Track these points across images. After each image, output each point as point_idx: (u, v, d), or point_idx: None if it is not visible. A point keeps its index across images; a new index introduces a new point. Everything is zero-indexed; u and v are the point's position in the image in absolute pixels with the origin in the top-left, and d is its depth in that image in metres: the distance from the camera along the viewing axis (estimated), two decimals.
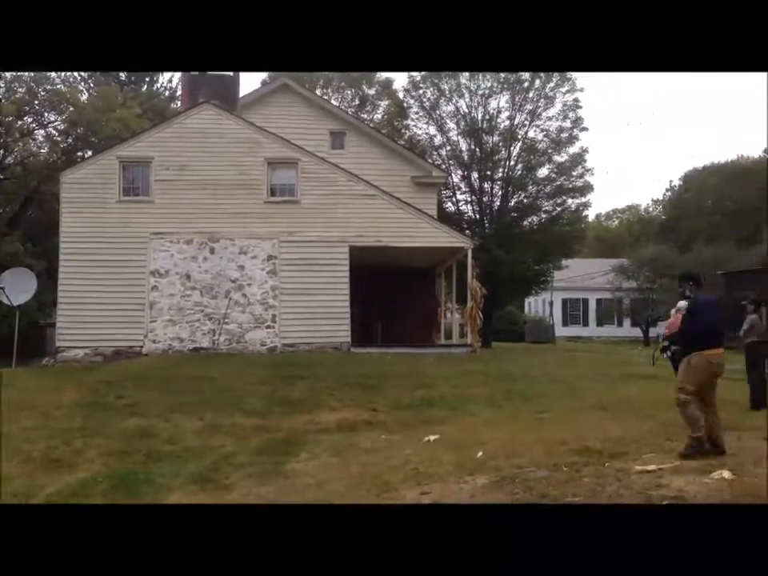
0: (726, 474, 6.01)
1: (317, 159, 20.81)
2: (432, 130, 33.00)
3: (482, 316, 21.31)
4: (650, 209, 72.04)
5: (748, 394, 10.86)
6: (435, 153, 33.15)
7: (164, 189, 20.07)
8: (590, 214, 71.89)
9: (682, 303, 12.06)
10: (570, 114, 32.42)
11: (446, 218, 27.68)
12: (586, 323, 51.91)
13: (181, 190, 19.96)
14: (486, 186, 33.23)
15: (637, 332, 44.35)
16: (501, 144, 32.90)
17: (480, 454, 7.70)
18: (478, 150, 32.70)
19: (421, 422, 10.84)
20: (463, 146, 33.26)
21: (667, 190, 65.76)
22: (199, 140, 19.95)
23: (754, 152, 76.50)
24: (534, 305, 53.32)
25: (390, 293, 22.44)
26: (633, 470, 6.36)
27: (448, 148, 33.45)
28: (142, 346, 19.40)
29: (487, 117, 32.43)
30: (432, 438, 9.19)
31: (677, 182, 61.78)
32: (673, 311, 12.01)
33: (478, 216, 33.27)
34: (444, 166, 31.60)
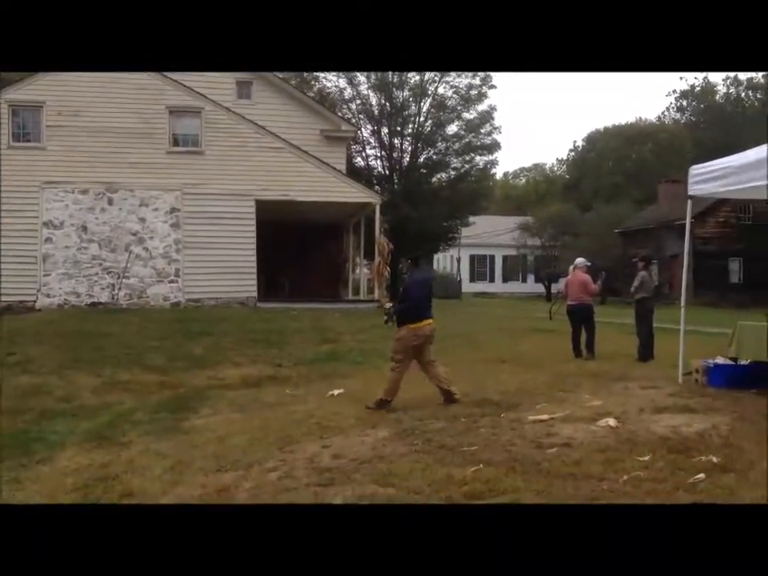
0: (612, 421, 6.31)
1: (222, 109, 20.17)
2: (342, 83, 32.62)
3: (389, 271, 21.44)
4: (555, 168, 74.01)
5: (636, 346, 11.40)
6: (345, 106, 32.79)
7: (57, 135, 19.02)
8: (498, 172, 73.26)
9: (579, 260, 12.57)
10: (479, 72, 32.65)
11: (355, 173, 27.54)
12: (492, 279, 53.22)
13: (75, 136, 18.97)
14: (396, 141, 33.21)
15: (540, 288, 45.87)
16: (411, 99, 32.86)
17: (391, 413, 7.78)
18: (388, 104, 32.54)
19: (325, 376, 10.86)
20: (373, 100, 33.05)
21: (571, 150, 67.68)
22: (94, 84, 18.90)
23: (651, 115, 79.50)
24: (443, 261, 54.15)
25: (297, 248, 22.25)
26: (526, 420, 6.60)
27: (358, 102, 33.15)
28: (34, 301, 18.54)
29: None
30: (336, 392, 9.23)
31: (580, 143, 63.60)
32: (571, 268, 12.42)
33: (387, 172, 33.28)
34: (354, 120, 31.32)
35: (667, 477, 4.72)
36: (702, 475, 4.68)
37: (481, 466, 5.15)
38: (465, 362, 11.53)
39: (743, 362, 8.29)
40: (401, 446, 6.00)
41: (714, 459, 5.05)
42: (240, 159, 19.71)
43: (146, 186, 19.35)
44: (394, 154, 33.15)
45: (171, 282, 19.45)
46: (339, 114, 29.09)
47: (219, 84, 22.03)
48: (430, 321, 7.93)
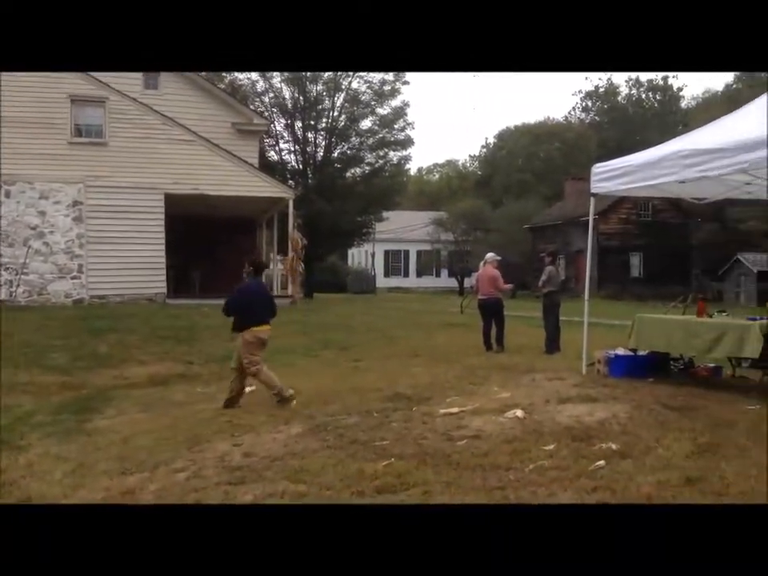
0: (519, 412, 6.47)
1: (128, 99, 19.49)
2: (254, 75, 32.10)
3: (303, 267, 21.30)
4: (468, 164, 75.38)
5: (544, 339, 11.75)
6: (257, 99, 32.32)
7: None
8: (412, 168, 73.94)
9: (490, 255, 12.82)
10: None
11: (268, 167, 27.20)
12: (406, 274, 53.74)
13: None
14: (309, 135, 33.00)
15: (454, 283, 46.64)
16: (325, 93, 32.71)
17: (294, 403, 7.73)
18: (301, 98, 32.28)
19: None
20: (287, 93, 32.73)
21: (483, 147, 69.09)
22: None
23: (559, 114, 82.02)
24: (357, 256, 54.29)
25: (208, 242, 21.77)
26: (437, 413, 6.68)
27: (271, 95, 32.74)
28: None
29: None
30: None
31: (492, 140, 64.98)
32: (482, 263, 12.66)
33: (301, 166, 33.04)
34: (267, 114, 30.92)
35: (570, 465, 4.88)
36: (602, 462, 4.86)
37: (392, 460, 5.18)
38: (379, 356, 11.59)
39: (642, 353, 8.66)
40: (313, 442, 5.97)
41: (614, 446, 5.26)
42: (147, 151, 19.11)
43: (47, 178, 18.50)
44: (308, 149, 32.95)
45: (74, 278, 18.68)
46: (251, 106, 28.66)
47: (125, 73, 21.29)
48: (267, 326, 8.16)
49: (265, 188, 20.67)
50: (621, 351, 8.81)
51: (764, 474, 4.51)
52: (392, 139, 33.80)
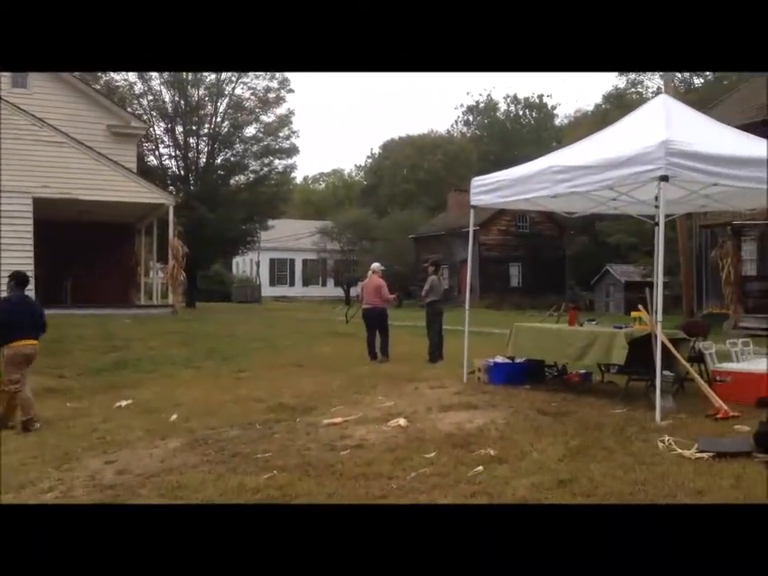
0: (402, 421, 6.56)
1: None
2: (132, 77, 30.92)
3: (184, 275, 20.71)
4: (354, 174, 75.92)
5: (427, 348, 11.96)
6: (135, 102, 31.17)
7: None
8: (298, 176, 73.66)
9: (375, 265, 12.94)
10: (278, 75, 32.56)
11: (147, 172, 26.29)
12: (292, 283, 53.38)
13: None
14: (191, 140, 32.17)
15: (340, 292, 46.73)
16: (207, 98, 32.02)
17: (174, 416, 7.48)
18: (182, 102, 31.43)
19: (112, 386, 10.21)
20: (167, 96, 31.78)
21: (368, 157, 69.82)
22: None
23: (442, 127, 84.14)
24: (242, 265, 53.40)
25: (83, 250, 20.72)
26: (321, 423, 6.66)
27: (150, 98, 31.68)
28: None
29: None
30: (124, 403, 8.71)
31: (377, 150, 65.75)
32: (369, 272, 12.73)
33: (182, 172, 32.14)
34: (145, 117, 29.88)
35: (450, 471, 4.98)
36: (480, 468, 5.00)
37: (274, 472, 5.11)
38: (263, 367, 11.42)
39: (519, 360, 8.99)
40: (192, 457, 5.80)
41: (492, 452, 5.42)
42: (13, 153, 17.94)
43: None
44: (190, 154, 32.10)
45: None
46: (129, 109, 27.60)
47: None
48: (32, 341, 7.85)
49: (143, 193, 19.94)
50: (499, 359, 9.10)
51: (629, 474, 4.79)
52: (277, 147, 33.49)
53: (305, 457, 5.52)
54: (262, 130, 33.18)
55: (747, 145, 7.53)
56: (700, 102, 26.85)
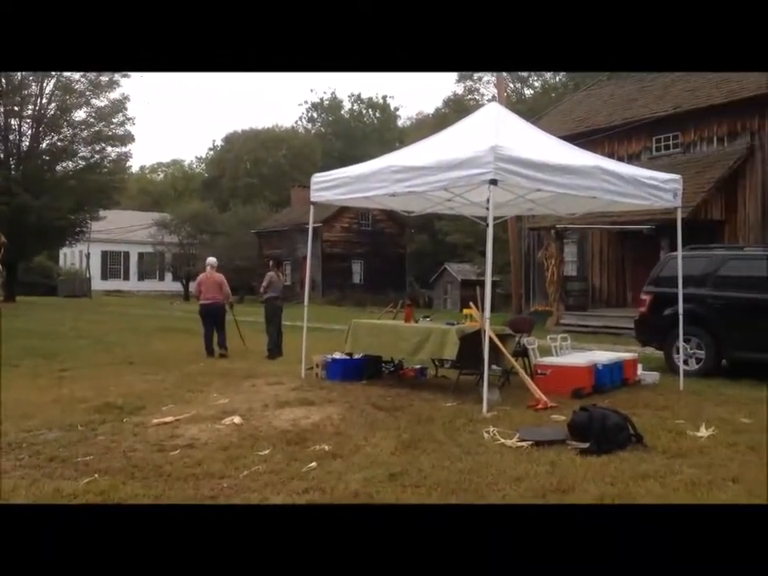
0: (237, 419, 6.43)
1: None
2: None
3: (2, 267, 19.11)
4: (194, 165, 73.60)
5: (266, 344, 11.84)
6: None
7: None
8: (134, 165, 70.26)
9: (211, 259, 12.64)
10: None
11: None
12: (126, 277, 50.88)
13: None
14: (12, 122, 29.72)
15: (178, 286, 45.14)
16: (31, 78, 29.65)
17: None
18: (3, 80, 28.93)
19: None
20: None
21: (210, 149, 67.95)
22: None
23: (287, 122, 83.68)
24: (70, 256, 50.11)
25: None
26: (150, 423, 6.37)
27: None
28: None
29: None
30: None
31: (219, 143, 64.15)
32: (207, 267, 12.40)
33: (2, 155, 29.60)
34: None
35: (284, 468, 4.94)
36: (314, 464, 5.00)
37: (96, 476, 4.81)
38: (89, 365, 10.75)
39: (357, 356, 9.11)
40: (3, 462, 5.34)
41: (326, 447, 5.44)
42: None
43: None
44: (11, 137, 29.62)
45: None
46: None
47: None
48: None
49: None
50: (337, 355, 9.18)
51: (456, 464, 4.99)
52: (110, 134, 31.61)
53: (130, 459, 5.24)
54: (94, 114, 31.23)
55: (568, 154, 8.09)
56: (529, 111, 28.58)
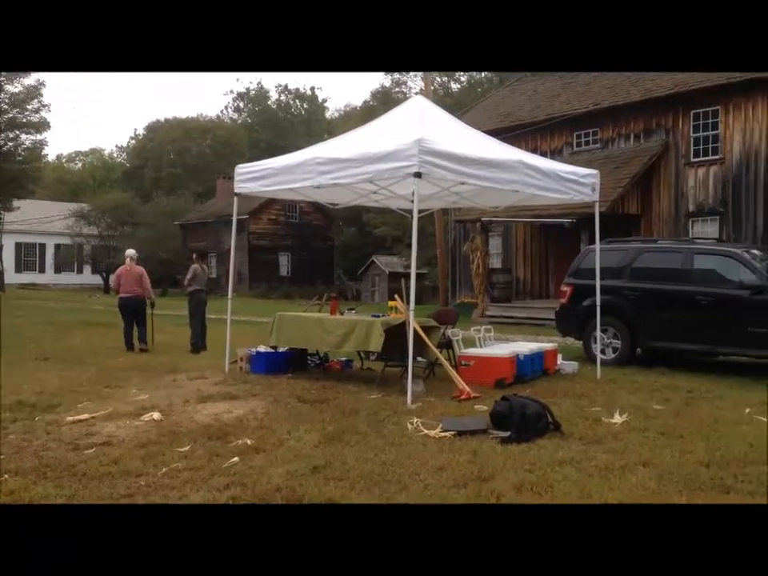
0: (156, 415, 6.27)
1: None
2: None
3: None
4: (115, 155, 71.33)
5: (189, 338, 11.60)
6: None
7: None
8: (50, 154, 67.59)
9: (131, 252, 12.30)
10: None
11: None
12: (42, 269, 48.86)
13: None
14: None
15: (98, 279, 43.74)
16: None
17: None
18: None
19: None
20: None
21: (132, 138, 65.96)
22: None
23: (212, 112, 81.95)
24: None
25: None
26: (65, 421, 6.15)
27: None
28: None
29: None
30: None
31: (141, 131, 62.34)
32: (127, 260, 12.06)
33: None
34: None
35: (205, 464, 4.85)
36: (236, 459, 4.93)
37: (5, 477, 4.61)
38: (1, 361, 10.28)
39: (282, 349, 9.03)
40: None
41: (249, 442, 5.37)
42: None
43: None
44: None
45: None
46: None
47: None
48: None
49: None
50: (262, 348, 9.08)
51: (379, 455, 5.01)
52: (24, 120, 30.36)
53: (42, 458, 5.04)
54: (7, 100, 29.89)
55: (492, 148, 8.21)
56: (455, 105, 28.89)
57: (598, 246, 9.31)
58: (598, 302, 9.10)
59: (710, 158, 17.70)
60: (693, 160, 18.02)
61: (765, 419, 6.34)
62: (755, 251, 10.04)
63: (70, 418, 6.19)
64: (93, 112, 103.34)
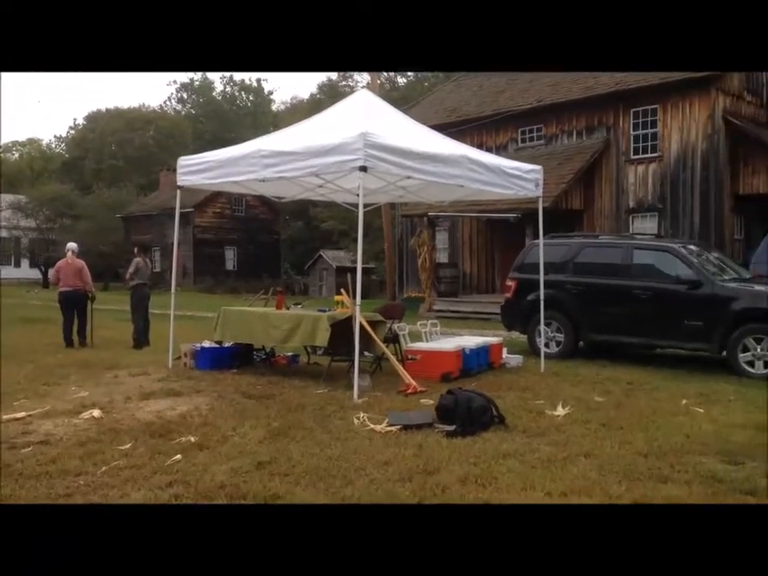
0: (96, 412, 6.12)
1: None
2: None
3: None
4: (54, 145, 69.30)
5: (131, 333, 11.37)
6: None
7: None
8: None
9: (72, 245, 11.98)
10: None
11: None
12: None
13: None
14: None
15: (36, 273, 42.51)
16: None
17: None
18: None
19: None
20: None
21: (71, 128, 64.19)
22: None
23: (154, 102, 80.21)
24: None
25: None
26: (0, 419, 5.95)
27: None
28: None
29: None
30: None
31: (81, 122, 60.70)
32: (68, 253, 11.73)
33: None
34: None
35: (146, 462, 4.75)
36: (179, 456, 4.84)
37: None
38: None
39: (227, 344, 8.92)
40: None
41: (193, 439, 5.29)
42: None
43: None
44: None
45: None
46: None
47: None
48: None
49: None
50: (207, 344, 8.95)
51: (325, 450, 4.99)
52: None
53: None
54: None
55: (437, 143, 8.25)
56: (402, 99, 28.96)
57: (541, 240, 9.46)
58: (542, 297, 9.25)
59: (649, 155, 18.16)
60: (633, 157, 18.45)
61: (701, 410, 6.55)
62: (692, 247, 10.34)
63: (5, 417, 5.99)
64: (30, 101, 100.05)
